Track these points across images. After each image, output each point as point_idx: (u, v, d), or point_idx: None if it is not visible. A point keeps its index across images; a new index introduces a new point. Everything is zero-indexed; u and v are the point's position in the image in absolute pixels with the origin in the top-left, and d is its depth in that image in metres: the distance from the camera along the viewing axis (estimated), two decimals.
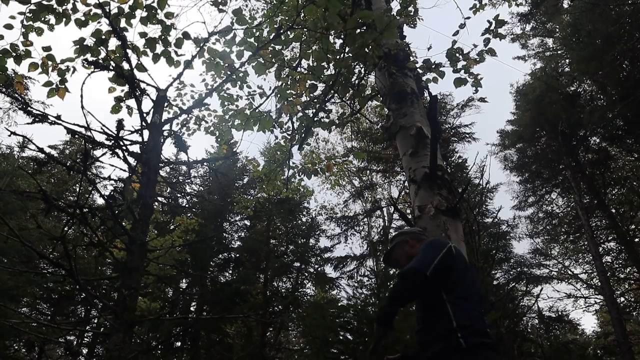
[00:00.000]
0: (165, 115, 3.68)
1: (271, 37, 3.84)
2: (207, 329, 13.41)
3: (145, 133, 3.35)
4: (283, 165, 5.68)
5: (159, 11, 3.72)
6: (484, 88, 4.24)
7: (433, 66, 4.07)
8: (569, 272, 15.65)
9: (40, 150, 2.71)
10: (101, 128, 3.09)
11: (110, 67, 3.39)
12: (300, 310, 12.73)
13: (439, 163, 3.10)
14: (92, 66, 3.27)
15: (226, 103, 4.75)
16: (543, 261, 15.35)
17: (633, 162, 14.96)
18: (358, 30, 3.40)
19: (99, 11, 3.58)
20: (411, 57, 4.21)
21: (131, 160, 3.17)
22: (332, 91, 4.19)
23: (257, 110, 4.71)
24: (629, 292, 14.91)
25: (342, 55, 3.96)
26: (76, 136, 3.01)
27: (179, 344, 13.93)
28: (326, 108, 4.57)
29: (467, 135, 14.14)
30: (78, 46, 3.62)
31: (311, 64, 4.29)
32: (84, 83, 3.11)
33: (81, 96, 2.99)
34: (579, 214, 13.78)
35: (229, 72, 4.08)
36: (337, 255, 16.26)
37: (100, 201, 16.16)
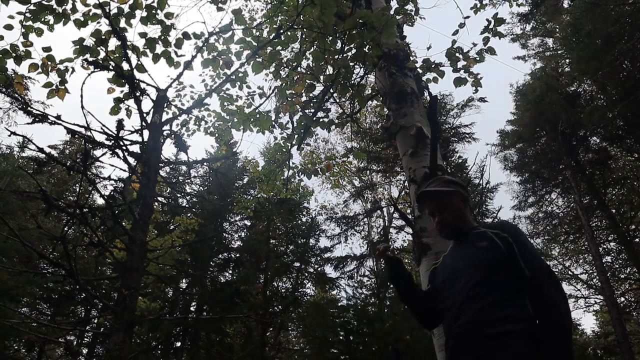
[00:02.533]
0: (165, 116, 3.69)
1: (271, 37, 3.84)
2: (207, 329, 13.42)
3: (145, 133, 3.35)
4: (282, 165, 5.68)
5: (158, 11, 3.72)
6: (484, 88, 4.24)
7: (433, 66, 4.07)
8: (570, 272, 15.66)
9: (40, 150, 2.71)
10: (101, 128, 3.09)
11: (110, 67, 3.39)
12: (300, 310, 12.73)
13: (439, 163, 3.10)
14: (92, 66, 3.28)
15: (225, 103, 4.75)
16: None
17: (633, 162, 14.97)
18: (357, 30, 3.40)
19: (98, 11, 3.58)
20: (411, 57, 4.21)
21: (131, 160, 3.17)
22: (330, 91, 4.19)
23: (256, 111, 4.71)
24: (629, 292, 14.92)
25: (340, 55, 3.96)
26: (76, 136, 3.01)
27: (179, 344, 13.95)
28: (325, 107, 4.57)
29: (467, 135, 14.14)
30: (78, 46, 3.62)
31: (310, 64, 4.30)
32: (83, 83, 3.11)
33: (81, 96, 3.00)
34: (579, 214, 13.77)
35: (226, 69, 4.08)
36: (337, 255, 16.26)
37: (100, 201, 16.18)
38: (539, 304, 1.54)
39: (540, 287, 1.57)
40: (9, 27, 3.51)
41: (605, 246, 14.64)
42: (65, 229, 2.65)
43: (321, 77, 4.18)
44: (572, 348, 1.46)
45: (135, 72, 3.48)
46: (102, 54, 3.67)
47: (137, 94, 3.37)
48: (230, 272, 16.09)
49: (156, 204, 3.87)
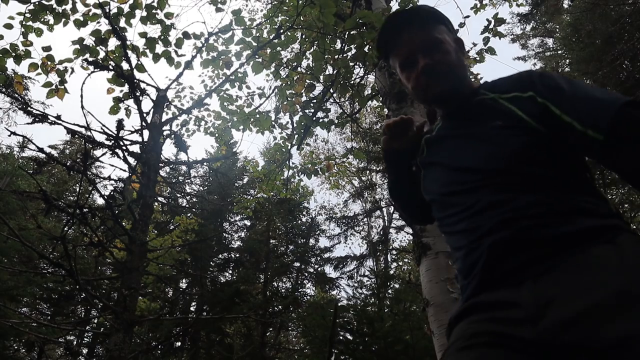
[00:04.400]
0: (165, 116, 3.69)
1: (271, 37, 3.84)
2: (207, 329, 13.42)
3: (145, 133, 3.35)
4: (282, 165, 5.69)
5: (158, 11, 3.72)
6: None
7: None
8: None
9: (40, 150, 2.71)
10: (101, 128, 3.09)
11: (110, 67, 3.39)
12: (300, 310, 12.74)
13: None
14: (92, 66, 3.28)
15: (225, 103, 4.75)
16: None
17: None
18: (357, 30, 3.40)
19: (98, 11, 3.58)
20: None
21: (131, 160, 3.17)
22: (330, 91, 4.20)
23: (256, 111, 4.72)
24: None
25: (340, 55, 3.96)
26: (76, 136, 3.01)
27: (179, 344, 13.95)
28: (325, 107, 4.57)
29: None
30: (77, 46, 3.62)
31: (310, 64, 4.30)
32: (83, 83, 3.11)
33: (81, 96, 3.00)
34: None
35: (226, 69, 4.09)
36: (337, 255, 16.30)
37: (100, 201, 16.17)
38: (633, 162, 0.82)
39: (627, 141, 0.82)
40: (8, 27, 3.51)
41: None
42: (65, 229, 2.65)
43: (321, 77, 4.18)
44: None
45: (135, 72, 3.49)
46: (102, 54, 3.67)
47: (137, 94, 3.37)
48: (230, 272, 16.10)
49: (156, 204, 3.87)
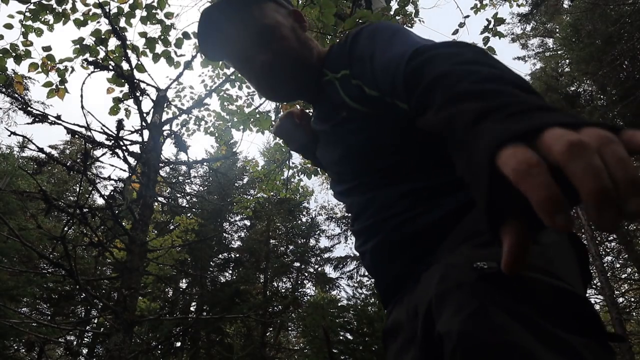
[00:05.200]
0: (165, 116, 3.69)
1: None
2: (207, 329, 13.42)
3: (145, 133, 3.35)
4: (282, 165, 5.69)
5: (158, 11, 3.73)
6: None
7: None
8: None
9: (40, 150, 2.71)
10: (101, 128, 3.09)
11: (110, 67, 3.39)
12: (300, 310, 12.74)
13: None
14: (92, 66, 3.28)
15: (225, 103, 4.76)
16: None
17: (633, 162, 14.95)
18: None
19: (98, 11, 3.58)
20: None
21: (131, 160, 3.17)
22: None
23: (256, 110, 4.72)
24: (629, 292, 14.93)
25: None
26: (76, 136, 3.01)
27: (179, 344, 13.96)
28: None
29: None
30: (77, 46, 3.62)
31: None
32: (83, 83, 3.11)
33: (81, 96, 2.99)
34: (579, 214, 13.79)
35: (226, 69, 4.09)
36: (337, 255, 16.31)
37: (100, 201, 16.19)
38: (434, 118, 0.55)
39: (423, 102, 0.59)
40: (9, 27, 3.52)
41: (605, 246, 14.65)
42: (65, 229, 2.65)
43: None
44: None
45: (135, 72, 3.48)
46: (102, 54, 3.67)
47: (137, 94, 3.37)
48: (230, 272, 16.11)
49: (156, 204, 3.88)
